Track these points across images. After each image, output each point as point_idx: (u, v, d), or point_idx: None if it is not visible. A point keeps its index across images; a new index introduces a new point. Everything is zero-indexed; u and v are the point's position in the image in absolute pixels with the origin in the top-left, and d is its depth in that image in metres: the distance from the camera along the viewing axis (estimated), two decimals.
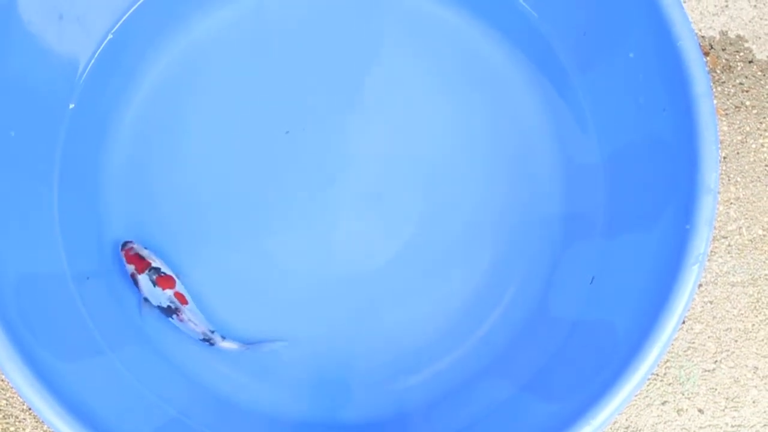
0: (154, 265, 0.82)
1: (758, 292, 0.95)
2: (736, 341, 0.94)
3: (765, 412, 0.94)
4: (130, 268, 0.82)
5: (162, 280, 0.81)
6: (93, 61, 0.86)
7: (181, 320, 0.81)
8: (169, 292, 0.81)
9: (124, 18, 0.86)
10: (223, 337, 0.82)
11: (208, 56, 0.89)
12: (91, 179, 0.86)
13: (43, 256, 0.80)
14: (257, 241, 0.87)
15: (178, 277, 0.83)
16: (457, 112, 0.89)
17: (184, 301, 0.82)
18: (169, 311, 0.82)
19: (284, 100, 0.88)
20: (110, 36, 0.86)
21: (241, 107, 0.88)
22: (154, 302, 0.82)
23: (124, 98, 0.87)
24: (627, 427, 0.93)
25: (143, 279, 0.81)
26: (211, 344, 0.82)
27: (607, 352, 0.73)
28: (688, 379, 0.93)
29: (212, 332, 0.82)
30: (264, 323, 0.86)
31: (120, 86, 0.87)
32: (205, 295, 0.86)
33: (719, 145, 0.72)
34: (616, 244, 0.81)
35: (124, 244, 0.83)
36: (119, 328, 0.83)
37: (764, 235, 0.95)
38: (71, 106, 0.84)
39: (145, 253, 0.82)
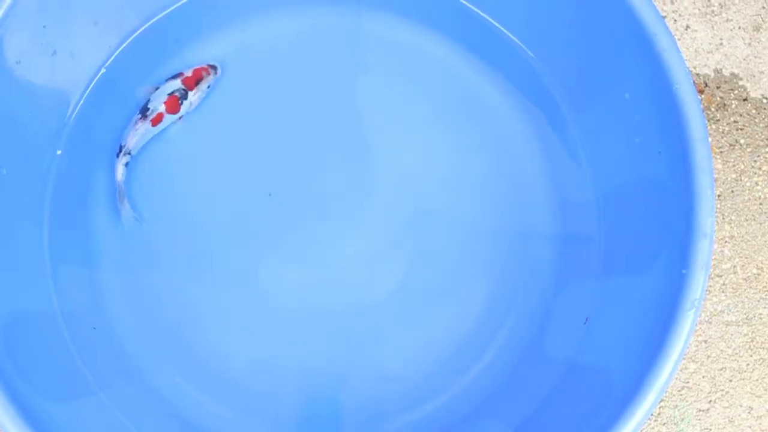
0: (189, 94, 0.85)
1: (753, 332, 0.94)
2: (730, 381, 0.94)
3: None
4: (188, 71, 0.85)
5: (172, 101, 0.84)
6: (83, 100, 0.85)
7: (136, 126, 0.83)
8: (162, 108, 0.84)
9: (116, 53, 0.86)
10: (122, 190, 0.84)
11: None
12: (82, 217, 0.85)
13: (33, 295, 0.79)
14: (250, 276, 0.86)
15: (179, 119, 0.86)
16: (453, 150, 0.89)
17: (154, 123, 0.84)
18: (145, 110, 0.84)
19: (282, 129, 0.88)
20: (103, 70, 0.86)
21: (231, 142, 0.88)
22: (153, 97, 0.85)
23: (115, 136, 0.86)
24: None
25: (175, 83, 0.84)
26: (116, 156, 0.84)
27: (603, 396, 0.73)
28: (683, 420, 0.93)
29: (129, 156, 0.84)
30: (258, 357, 0.85)
31: (110, 125, 0.86)
32: (197, 330, 0.85)
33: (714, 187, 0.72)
34: (611, 286, 0.80)
35: (214, 67, 0.87)
36: (110, 367, 0.82)
37: (759, 274, 0.95)
38: (59, 152, 0.84)
39: (203, 86, 0.85)
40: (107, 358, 0.82)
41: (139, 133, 0.84)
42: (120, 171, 0.83)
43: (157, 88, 0.85)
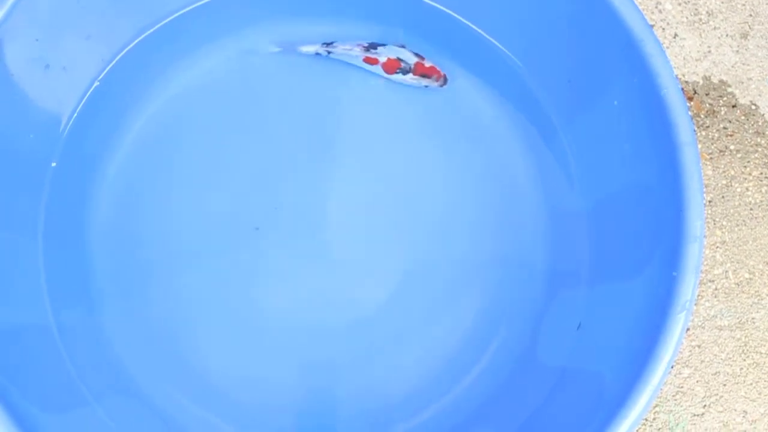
0: (408, 75, 0.88)
1: (746, 336, 0.95)
2: (724, 385, 0.94)
3: None
4: (428, 62, 0.88)
5: (393, 64, 0.88)
6: (76, 114, 0.85)
7: (355, 48, 0.88)
8: (382, 60, 0.88)
9: (109, 67, 0.87)
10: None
11: (191, 107, 0.89)
12: (76, 230, 0.85)
13: (27, 308, 0.79)
14: (243, 291, 0.86)
15: (385, 79, 0.89)
16: (443, 161, 0.89)
17: (364, 60, 0.88)
18: (372, 46, 0.88)
19: (271, 143, 0.89)
20: (96, 83, 0.86)
21: (225, 157, 0.88)
22: (389, 46, 0.89)
23: (108, 151, 0.87)
24: None
25: (411, 58, 0.88)
26: (325, 44, 0.89)
27: (596, 400, 0.73)
28: (678, 425, 0.93)
29: (327, 52, 0.88)
30: (253, 371, 0.85)
31: (103, 139, 0.87)
32: (192, 342, 0.85)
33: (704, 191, 0.72)
34: (603, 292, 0.81)
35: (445, 79, 0.89)
36: (105, 379, 0.82)
37: (751, 279, 0.95)
38: (53, 164, 0.84)
39: (422, 80, 0.89)
40: (102, 370, 0.82)
41: (350, 53, 0.88)
42: (313, 48, 0.88)
43: (403, 47, 0.89)
